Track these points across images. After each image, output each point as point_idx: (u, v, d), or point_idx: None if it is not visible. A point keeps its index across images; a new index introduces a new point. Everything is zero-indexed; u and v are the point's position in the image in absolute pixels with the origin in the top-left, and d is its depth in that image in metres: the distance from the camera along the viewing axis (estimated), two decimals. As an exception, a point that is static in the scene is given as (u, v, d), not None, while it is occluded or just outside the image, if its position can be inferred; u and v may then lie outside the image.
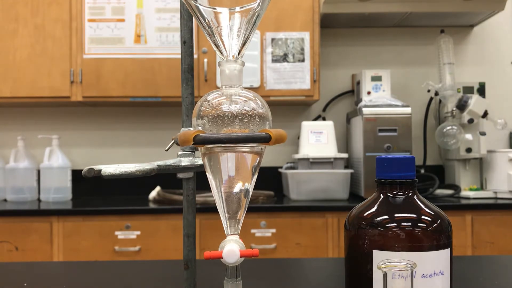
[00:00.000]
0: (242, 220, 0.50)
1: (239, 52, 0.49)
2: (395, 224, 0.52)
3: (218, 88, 0.49)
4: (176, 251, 2.14)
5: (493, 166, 2.41)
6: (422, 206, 0.54)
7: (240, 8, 0.47)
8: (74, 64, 2.40)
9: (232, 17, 0.48)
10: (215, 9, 0.48)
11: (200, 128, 0.47)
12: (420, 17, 2.61)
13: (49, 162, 2.50)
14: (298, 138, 2.53)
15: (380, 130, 2.33)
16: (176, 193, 2.40)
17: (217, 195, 0.49)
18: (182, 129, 0.64)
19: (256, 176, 0.50)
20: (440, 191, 2.48)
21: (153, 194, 2.37)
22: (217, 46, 0.49)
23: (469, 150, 2.44)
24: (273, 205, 2.25)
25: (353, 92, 2.75)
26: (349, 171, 2.36)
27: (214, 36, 0.49)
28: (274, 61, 2.42)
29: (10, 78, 2.40)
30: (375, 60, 2.80)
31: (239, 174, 0.48)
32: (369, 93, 2.46)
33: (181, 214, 0.68)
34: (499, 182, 2.37)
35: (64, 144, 2.68)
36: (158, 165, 0.62)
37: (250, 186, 0.49)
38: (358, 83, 2.58)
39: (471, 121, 2.41)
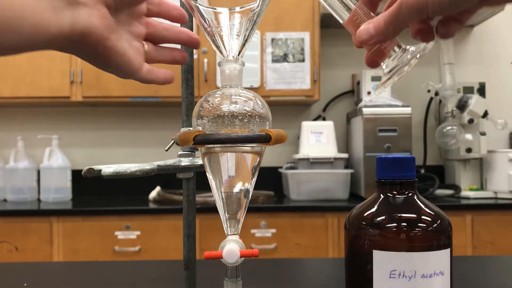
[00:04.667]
0: (242, 220, 0.50)
1: (239, 52, 0.49)
2: (395, 224, 0.52)
3: (218, 88, 0.48)
4: (176, 251, 2.13)
5: (493, 166, 2.41)
6: (422, 206, 0.54)
7: (240, 8, 0.47)
8: (74, 64, 2.40)
9: (232, 17, 0.48)
10: (215, 9, 0.48)
11: (200, 128, 0.47)
12: (420, 17, 2.61)
13: (49, 162, 2.50)
14: (298, 138, 2.53)
15: (380, 130, 2.33)
16: (176, 193, 2.40)
17: (217, 195, 0.49)
18: (182, 129, 0.64)
19: (256, 176, 0.50)
20: (440, 191, 2.48)
21: (153, 194, 2.37)
22: (217, 46, 0.49)
23: (469, 150, 2.44)
24: (273, 205, 2.25)
25: (353, 92, 2.75)
26: (349, 171, 2.36)
27: (214, 36, 0.49)
28: (274, 61, 2.42)
29: (10, 78, 2.40)
30: (375, 60, 2.79)
31: (239, 174, 0.48)
32: (369, 93, 2.46)
33: (181, 214, 0.68)
34: (499, 182, 2.37)
35: (64, 144, 2.68)
36: (158, 165, 0.62)
37: (250, 186, 0.49)
38: (358, 83, 2.58)
39: (471, 121, 2.41)
